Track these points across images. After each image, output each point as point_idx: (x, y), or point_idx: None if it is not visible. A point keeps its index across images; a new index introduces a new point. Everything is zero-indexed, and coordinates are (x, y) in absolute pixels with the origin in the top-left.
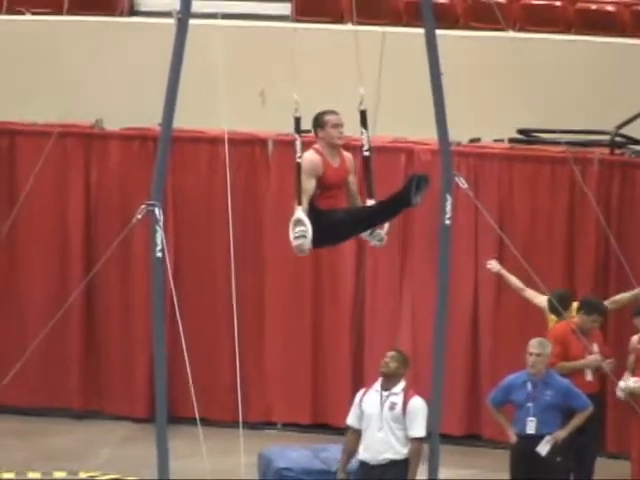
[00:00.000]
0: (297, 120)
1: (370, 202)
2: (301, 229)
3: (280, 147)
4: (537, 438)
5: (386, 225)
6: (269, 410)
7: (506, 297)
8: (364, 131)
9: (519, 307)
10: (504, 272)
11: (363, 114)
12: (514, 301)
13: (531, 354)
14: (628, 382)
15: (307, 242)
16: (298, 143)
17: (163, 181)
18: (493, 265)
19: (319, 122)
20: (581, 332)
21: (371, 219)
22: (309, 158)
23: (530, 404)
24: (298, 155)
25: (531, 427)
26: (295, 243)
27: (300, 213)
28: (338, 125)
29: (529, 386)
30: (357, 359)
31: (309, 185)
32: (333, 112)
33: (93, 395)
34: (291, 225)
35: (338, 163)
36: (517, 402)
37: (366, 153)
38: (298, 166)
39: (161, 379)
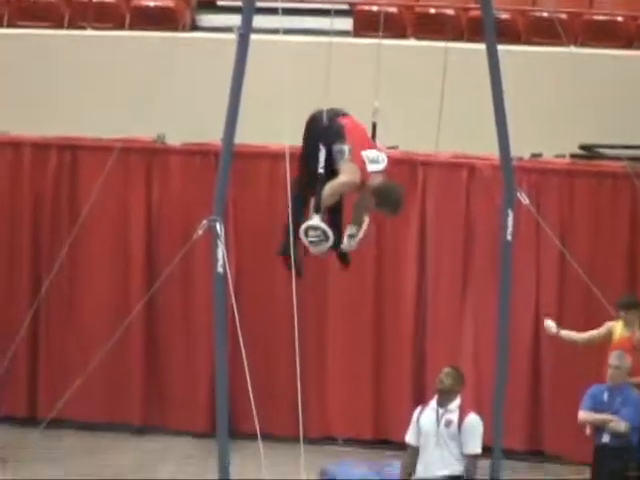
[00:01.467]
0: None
1: None
2: (317, 234)
3: None
4: (612, 448)
5: (360, 233)
6: (330, 425)
7: (567, 311)
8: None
9: (582, 325)
10: (563, 333)
11: (374, 126)
12: (577, 319)
13: (610, 366)
14: None
15: (327, 245)
16: (322, 155)
17: (224, 196)
18: (550, 327)
19: (384, 201)
20: None
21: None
22: (351, 179)
23: (605, 413)
24: (321, 166)
25: (606, 437)
26: (313, 249)
27: (317, 220)
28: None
29: (605, 396)
30: (418, 375)
31: (333, 200)
32: (394, 213)
33: (154, 410)
34: (304, 229)
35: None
36: (596, 410)
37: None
38: (319, 176)
39: (222, 394)
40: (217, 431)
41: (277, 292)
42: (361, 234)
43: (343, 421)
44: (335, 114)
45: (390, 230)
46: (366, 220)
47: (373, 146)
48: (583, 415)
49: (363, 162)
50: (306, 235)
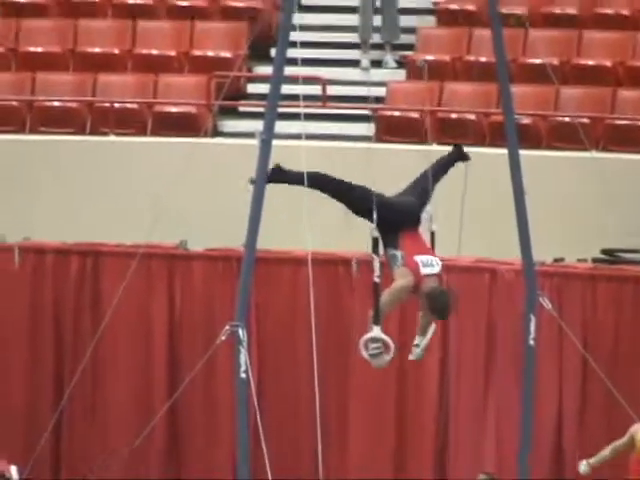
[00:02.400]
0: (375, 240)
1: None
2: (377, 345)
3: (364, 267)
4: None
5: (424, 341)
6: None
7: (590, 416)
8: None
9: (604, 426)
10: (592, 461)
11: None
12: (599, 420)
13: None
14: None
15: (388, 358)
16: (376, 263)
17: (247, 302)
18: (584, 471)
19: (435, 308)
20: None
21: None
22: (406, 283)
23: None
24: (376, 275)
25: None
26: (374, 362)
27: (378, 332)
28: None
29: None
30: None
31: (392, 308)
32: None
33: None
34: (363, 343)
35: None
36: None
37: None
38: (375, 285)
39: None
40: None
41: (301, 396)
42: (426, 342)
43: None
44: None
45: (413, 332)
46: (432, 328)
47: (429, 252)
48: None
49: (417, 265)
50: (366, 348)
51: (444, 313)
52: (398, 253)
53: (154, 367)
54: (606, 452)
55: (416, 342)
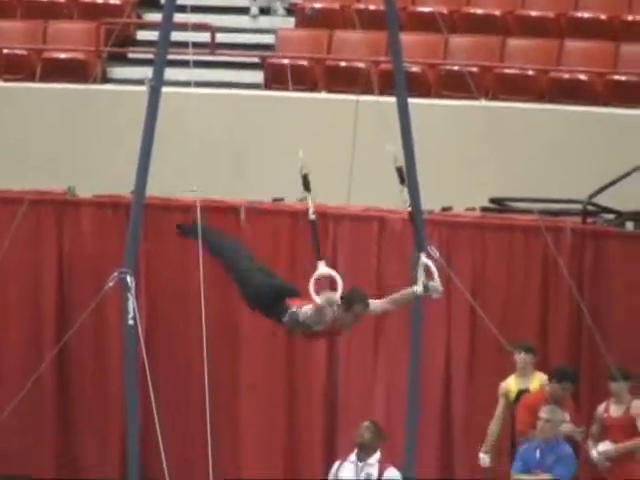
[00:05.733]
0: (305, 177)
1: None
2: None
3: (252, 215)
4: None
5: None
6: (241, 476)
7: (478, 365)
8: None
9: (492, 375)
10: (489, 442)
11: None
12: (487, 369)
13: (540, 419)
14: (603, 447)
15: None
16: (309, 201)
17: (135, 249)
18: (485, 461)
19: (350, 301)
20: (553, 400)
21: None
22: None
23: (538, 471)
24: (311, 212)
25: None
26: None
27: (323, 267)
28: (358, 318)
29: (537, 453)
30: (331, 428)
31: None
32: (366, 305)
33: (67, 463)
34: (314, 283)
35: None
36: (528, 469)
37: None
38: (312, 223)
39: (133, 444)
40: (127, 478)
41: (190, 343)
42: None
43: (255, 475)
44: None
45: (301, 280)
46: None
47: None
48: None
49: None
50: (317, 293)
51: (364, 298)
52: (293, 308)
53: (43, 314)
54: (492, 427)
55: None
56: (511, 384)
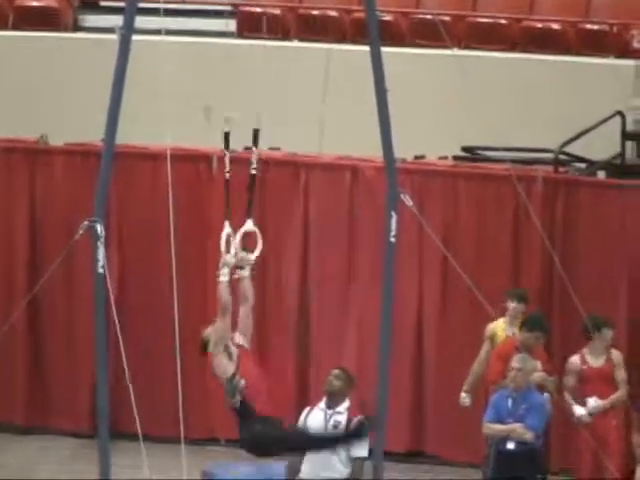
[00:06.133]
0: (226, 135)
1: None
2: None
3: (224, 163)
4: (517, 454)
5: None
6: (212, 427)
7: (450, 314)
8: (254, 149)
9: (464, 323)
10: (470, 381)
11: (255, 132)
12: (458, 318)
13: (512, 369)
14: (594, 403)
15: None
16: (227, 159)
17: (105, 198)
18: (465, 401)
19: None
20: (524, 349)
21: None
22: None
23: (510, 420)
24: (226, 170)
25: (510, 443)
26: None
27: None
28: None
29: (509, 402)
30: (302, 374)
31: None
32: None
33: (37, 410)
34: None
35: None
36: (500, 418)
37: (253, 171)
38: (226, 183)
39: (103, 395)
40: (98, 432)
41: (161, 292)
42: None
43: (226, 422)
44: None
45: (273, 230)
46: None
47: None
48: (488, 428)
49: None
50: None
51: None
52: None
53: (15, 262)
54: (475, 367)
55: None
56: (499, 328)
